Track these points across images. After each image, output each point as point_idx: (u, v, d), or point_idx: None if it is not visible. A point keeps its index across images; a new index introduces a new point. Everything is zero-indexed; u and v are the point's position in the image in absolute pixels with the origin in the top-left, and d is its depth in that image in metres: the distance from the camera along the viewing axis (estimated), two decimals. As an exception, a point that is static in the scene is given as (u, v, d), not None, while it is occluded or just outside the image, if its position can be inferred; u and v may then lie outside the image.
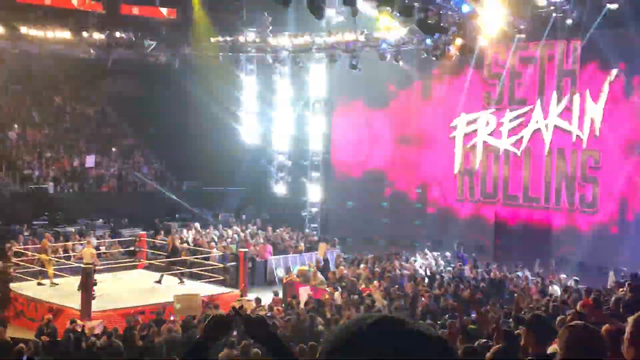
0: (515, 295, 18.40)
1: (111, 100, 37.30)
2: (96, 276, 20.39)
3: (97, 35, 29.61)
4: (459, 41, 24.86)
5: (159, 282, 22.27)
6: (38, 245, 23.76)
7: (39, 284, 21.65)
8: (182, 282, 22.52)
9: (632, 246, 24.63)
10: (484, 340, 7.77)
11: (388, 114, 32.44)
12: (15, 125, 33.57)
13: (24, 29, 28.14)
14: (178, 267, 23.16)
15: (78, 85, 36.99)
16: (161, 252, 25.40)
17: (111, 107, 37.34)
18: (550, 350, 5.33)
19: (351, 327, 1.70)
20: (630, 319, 3.54)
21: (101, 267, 22.28)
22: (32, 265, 22.60)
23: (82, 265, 20.13)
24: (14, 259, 22.64)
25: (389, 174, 32.77)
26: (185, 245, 26.51)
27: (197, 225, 29.49)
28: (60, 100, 36.63)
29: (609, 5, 24.41)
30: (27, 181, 30.63)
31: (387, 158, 32.55)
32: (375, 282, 20.98)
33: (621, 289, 16.26)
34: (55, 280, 21.66)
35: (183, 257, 24.64)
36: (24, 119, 34.43)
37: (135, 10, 30.87)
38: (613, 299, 13.13)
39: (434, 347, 1.67)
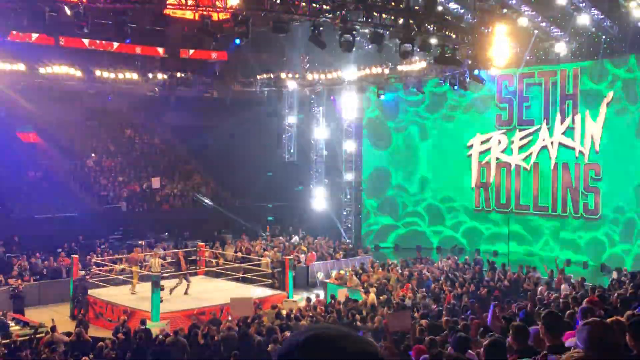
0: (529, 293, 18.11)
1: (173, 130, 37.73)
2: (163, 282, 20.51)
3: (161, 76, 30.00)
4: (472, 71, 24.72)
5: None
6: (122, 256, 24.04)
7: (133, 293, 21.21)
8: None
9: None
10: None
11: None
12: (93, 154, 34.13)
13: (98, 73, 28.59)
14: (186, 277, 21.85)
15: (145, 119, 37.51)
16: (216, 260, 25.54)
17: (174, 137, 37.78)
18: (568, 343, 5.15)
19: (284, 345, 1.62)
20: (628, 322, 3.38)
21: (167, 274, 22.41)
22: (108, 274, 22.84)
23: (151, 274, 20.32)
24: (93, 269, 22.91)
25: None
26: (239, 254, 26.60)
27: (248, 237, 29.58)
28: (130, 132, 37.17)
29: None
30: (104, 201, 31.08)
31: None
32: (407, 284, 20.79)
33: (624, 286, 15.91)
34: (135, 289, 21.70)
35: (235, 265, 24.70)
36: (99, 148, 34.98)
37: (192, 54, 31.24)
38: (615, 295, 12.83)
39: None
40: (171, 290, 20.98)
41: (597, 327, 3.37)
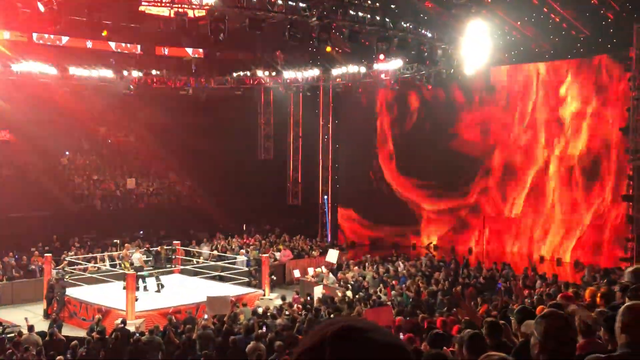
0: (504, 289, 18.30)
1: (148, 128, 37.42)
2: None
3: (136, 73, 29.71)
4: (447, 69, 24.91)
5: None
6: (113, 253, 24.54)
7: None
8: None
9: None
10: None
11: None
12: (67, 152, 33.76)
13: (72, 69, 28.24)
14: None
15: (119, 117, 37.15)
16: (191, 259, 25.48)
17: (148, 135, 37.48)
18: (524, 328, 5.18)
19: (316, 334, 1.48)
20: (621, 309, 3.41)
21: (143, 272, 22.22)
22: (82, 273, 22.65)
23: (126, 272, 20.18)
24: (67, 268, 22.68)
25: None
26: (215, 252, 26.49)
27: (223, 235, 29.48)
28: (105, 130, 36.80)
29: None
30: (78, 200, 30.75)
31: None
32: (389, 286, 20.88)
33: (595, 282, 16.15)
34: (107, 285, 21.69)
35: (212, 263, 24.61)
36: (74, 147, 34.60)
37: (167, 51, 30.99)
38: (587, 291, 13.00)
39: (393, 355, 1.45)
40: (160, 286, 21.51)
41: (554, 320, 3.41)
